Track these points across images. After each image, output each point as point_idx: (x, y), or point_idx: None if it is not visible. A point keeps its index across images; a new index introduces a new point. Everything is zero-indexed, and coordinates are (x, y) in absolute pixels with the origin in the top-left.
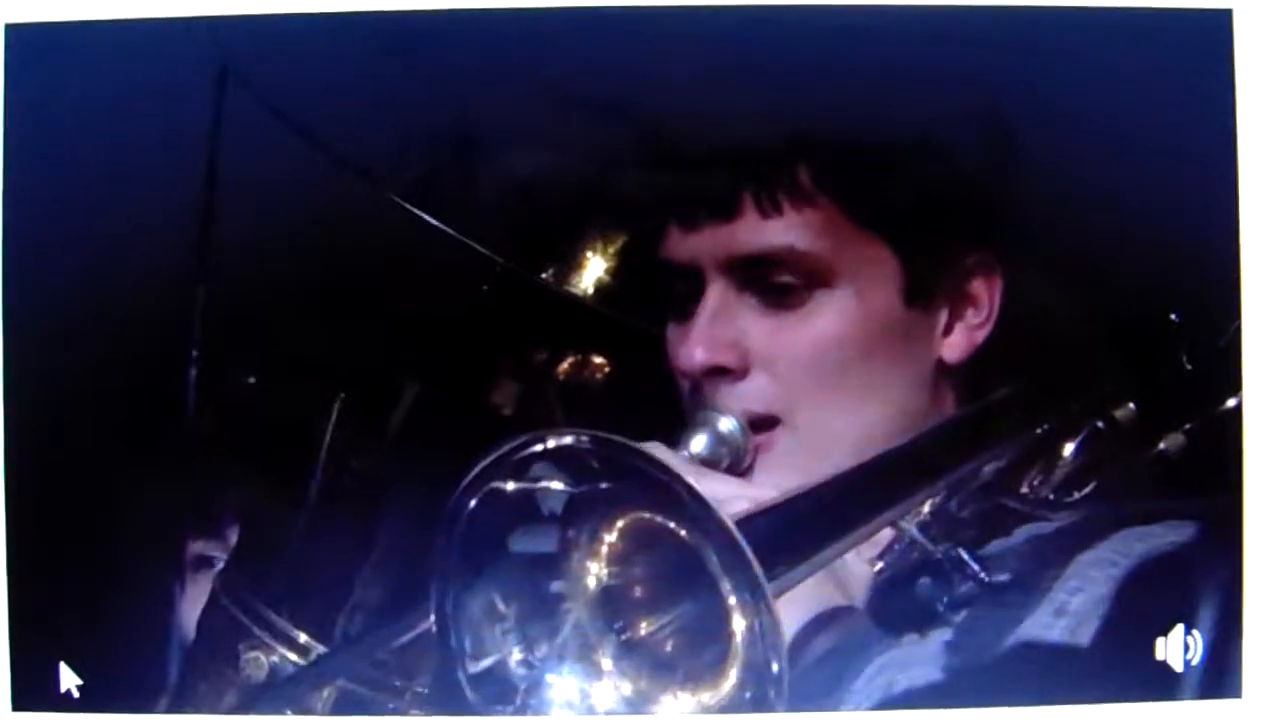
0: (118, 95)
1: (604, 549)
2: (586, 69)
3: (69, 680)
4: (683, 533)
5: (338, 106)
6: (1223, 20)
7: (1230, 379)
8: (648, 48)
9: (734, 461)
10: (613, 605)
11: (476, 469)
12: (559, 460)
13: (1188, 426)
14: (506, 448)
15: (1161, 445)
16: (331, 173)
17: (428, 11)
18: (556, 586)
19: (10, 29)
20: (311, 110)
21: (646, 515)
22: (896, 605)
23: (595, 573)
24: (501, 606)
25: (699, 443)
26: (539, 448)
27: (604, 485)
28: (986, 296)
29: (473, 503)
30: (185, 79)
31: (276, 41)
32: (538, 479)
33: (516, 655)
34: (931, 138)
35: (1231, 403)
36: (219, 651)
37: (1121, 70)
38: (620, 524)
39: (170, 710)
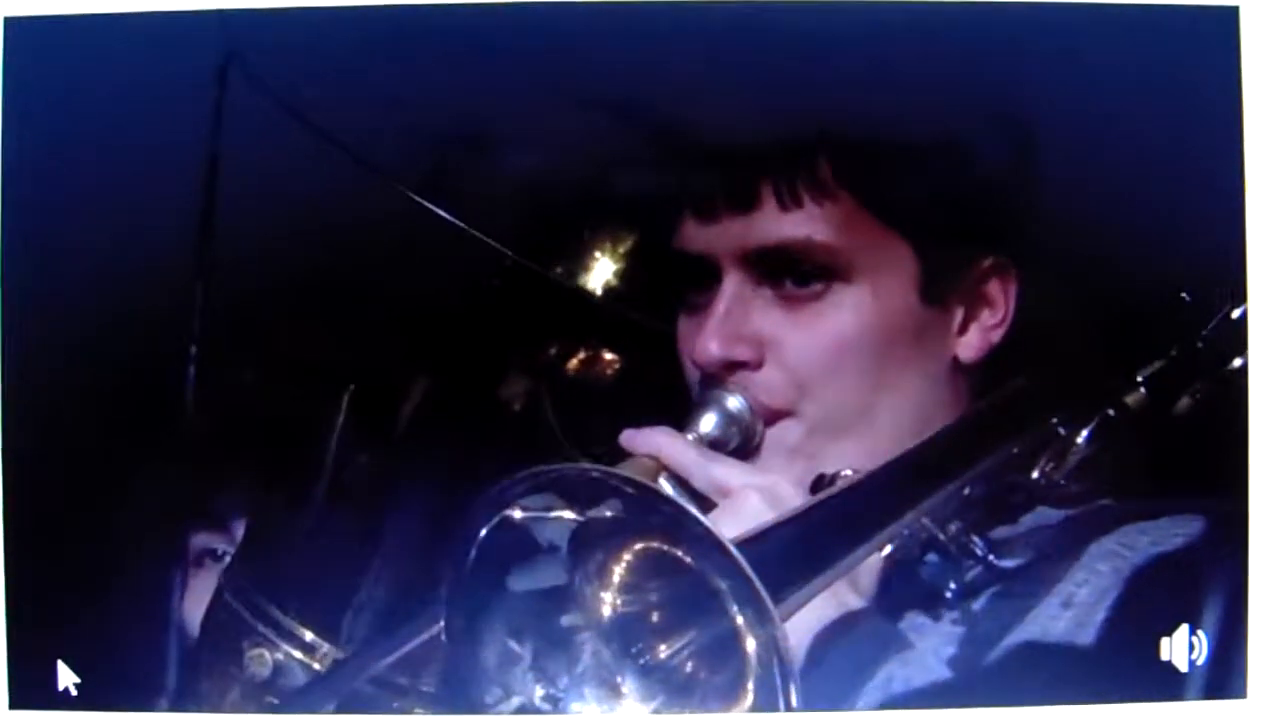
0: (118, 89)
1: (615, 577)
2: (606, 62)
3: (66, 678)
4: (690, 560)
5: (345, 100)
6: (1229, 17)
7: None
8: (671, 41)
9: (743, 441)
10: (629, 631)
11: (478, 507)
12: (563, 492)
13: (1198, 396)
14: (501, 485)
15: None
16: (339, 167)
17: (440, 4)
18: (571, 618)
19: (10, 22)
20: (319, 103)
21: (654, 544)
22: (905, 590)
23: (609, 601)
24: (516, 646)
25: (708, 422)
26: (540, 480)
27: (609, 515)
28: (1003, 298)
29: (481, 536)
30: (187, 72)
31: (282, 33)
32: (546, 509)
33: (540, 693)
34: (952, 136)
35: (1237, 363)
36: (223, 649)
37: (1129, 67)
38: (628, 554)
39: (172, 709)
